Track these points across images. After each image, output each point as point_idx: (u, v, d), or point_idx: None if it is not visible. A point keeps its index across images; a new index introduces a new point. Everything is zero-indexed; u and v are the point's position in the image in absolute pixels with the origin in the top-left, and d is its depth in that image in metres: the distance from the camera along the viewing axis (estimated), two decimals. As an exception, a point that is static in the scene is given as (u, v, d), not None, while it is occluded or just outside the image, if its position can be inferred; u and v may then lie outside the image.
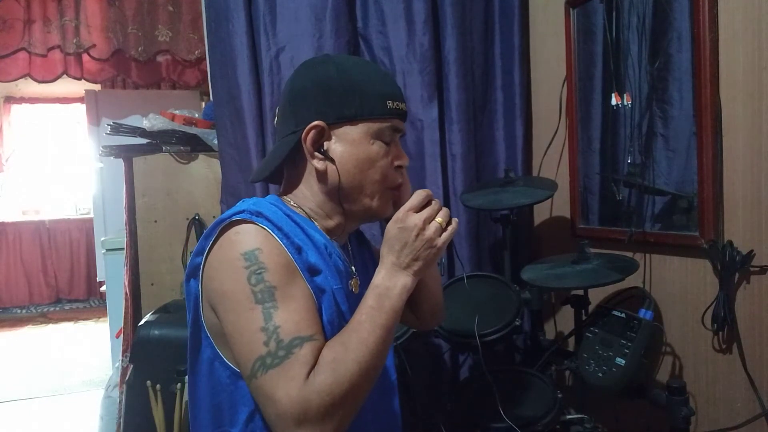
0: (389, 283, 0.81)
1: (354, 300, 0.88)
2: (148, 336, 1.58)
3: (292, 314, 0.75)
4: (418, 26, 1.82)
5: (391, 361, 1.01)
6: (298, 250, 0.82)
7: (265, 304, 0.75)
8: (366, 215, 0.93)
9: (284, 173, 0.95)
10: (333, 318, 0.83)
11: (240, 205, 0.85)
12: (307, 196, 0.91)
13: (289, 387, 0.70)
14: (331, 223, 0.91)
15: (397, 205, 0.93)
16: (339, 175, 0.86)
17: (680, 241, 1.39)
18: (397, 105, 0.89)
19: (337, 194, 0.88)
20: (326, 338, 0.79)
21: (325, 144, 0.87)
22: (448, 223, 0.84)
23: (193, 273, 0.85)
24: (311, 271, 0.83)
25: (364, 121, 0.87)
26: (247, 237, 0.79)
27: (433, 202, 0.85)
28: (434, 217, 0.83)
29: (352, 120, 0.87)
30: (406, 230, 0.82)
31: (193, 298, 0.85)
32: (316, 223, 0.90)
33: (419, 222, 0.81)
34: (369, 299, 0.81)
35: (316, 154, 0.87)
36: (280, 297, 0.76)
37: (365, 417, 0.86)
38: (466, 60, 1.87)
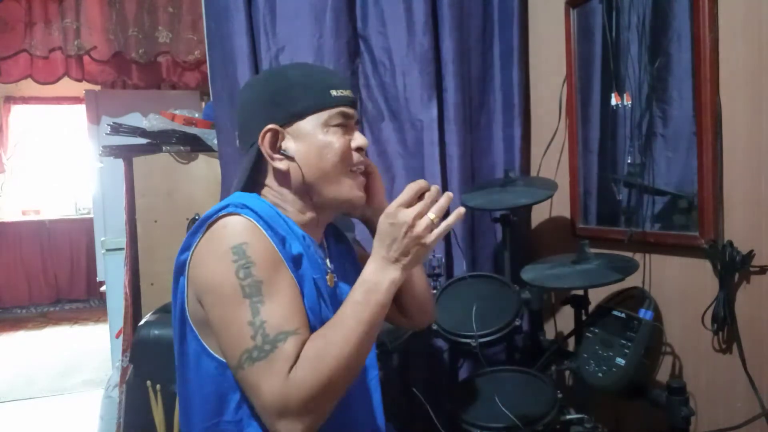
0: (378, 278, 0.82)
1: (330, 294, 0.91)
2: (148, 336, 1.57)
3: (278, 308, 0.78)
4: (419, 27, 1.82)
5: (373, 359, 1.01)
6: (282, 242, 0.85)
7: (253, 298, 0.77)
8: (337, 204, 0.94)
9: (253, 183, 0.96)
10: (314, 305, 0.85)
11: (223, 202, 0.87)
12: (277, 196, 0.93)
13: (272, 381, 0.73)
14: (305, 218, 0.94)
15: (368, 193, 0.96)
16: (301, 170, 0.89)
17: (680, 241, 1.39)
18: (341, 92, 0.91)
19: (304, 189, 0.91)
20: (309, 324, 0.81)
21: (283, 144, 0.90)
22: (444, 217, 0.83)
23: (181, 270, 0.87)
24: (295, 262, 0.86)
25: (313, 114, 0.90)
26: (235, 230, 0.81)
27: (426, 195, 0.83)
28: (425, 213, 0.82)
29: (301, 116, 0.90)
30: (395, 226, 0.82)
31: (180, 293, 0.87)
32: (293, 219, 0.92)
33: (408, 219, 0.81)
34: (356, 293, 0.82)
35: (276, 156, 0.90)
36: (267, 291, 0.78)
37: (345, 415, 0.86)
38: (463, 61, 1.87)
